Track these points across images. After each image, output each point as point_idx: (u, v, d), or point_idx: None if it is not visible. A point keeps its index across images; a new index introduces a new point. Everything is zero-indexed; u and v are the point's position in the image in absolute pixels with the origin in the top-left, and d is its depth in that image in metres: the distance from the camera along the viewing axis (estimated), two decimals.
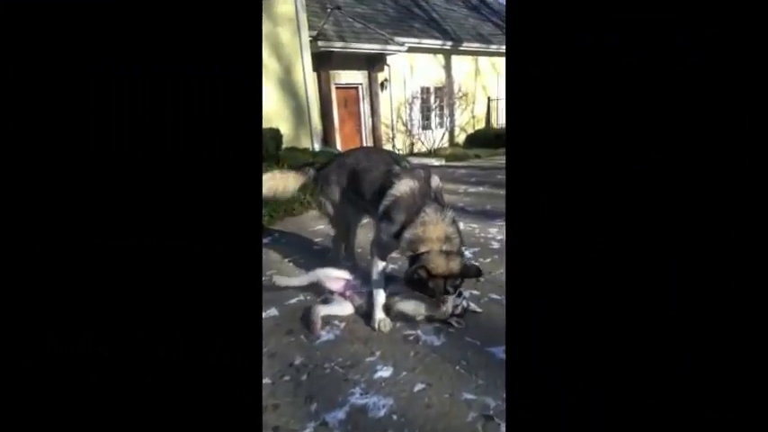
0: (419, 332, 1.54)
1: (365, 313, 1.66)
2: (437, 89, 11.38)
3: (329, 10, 9.03)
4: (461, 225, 2.85)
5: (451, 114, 11.31)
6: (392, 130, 10.74)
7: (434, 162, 8.17)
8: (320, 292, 1.82)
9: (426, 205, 1.53)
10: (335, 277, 1.78)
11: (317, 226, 3.13)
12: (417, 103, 10.90)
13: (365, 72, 9.67)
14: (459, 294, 1.59)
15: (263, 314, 1.74)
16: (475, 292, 1.84)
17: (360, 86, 9.82)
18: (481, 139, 11.15)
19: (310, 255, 2.49)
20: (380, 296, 1.62)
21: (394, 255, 1.73)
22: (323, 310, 1.65)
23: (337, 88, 9.31)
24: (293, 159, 5.46)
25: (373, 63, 9.60)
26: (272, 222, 3.21)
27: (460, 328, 1.54)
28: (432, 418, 1.11)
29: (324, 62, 8.62)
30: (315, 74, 8.32)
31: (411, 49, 10.10)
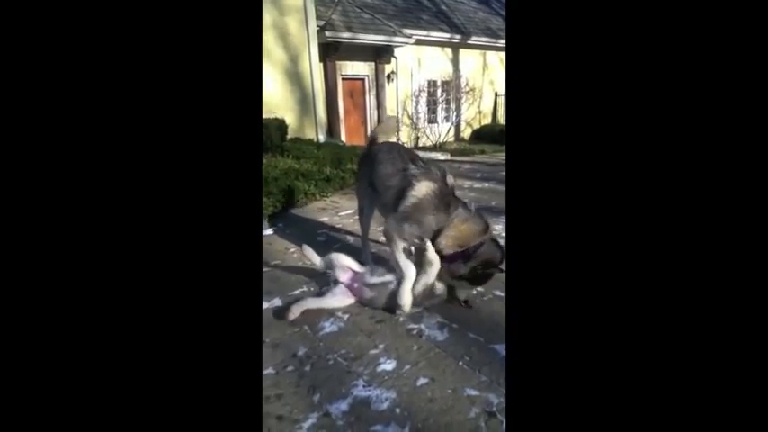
0: (422, 326, 1.54)
1: (385, 306, 1.66)
2: (444, 83, 11.28)
3: (337, 0, 8.94)
4: None
5: (458, 109, 11.22)
6: (398, 122, 10.67)
7: (440, 156, 8.13)
8: (323, 283, 1.82)
9: (454, 207, 1.64)
10: (345, 266, 1.77)
11: (322, 217, 3.13)
12: (424, 96, 10.81)
13: (372, 64, 9.60)
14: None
15: (267, 304, 1.75)
16: (479, 289, 1.84)
17: (366, 78, 9.75)
18: (487, 135, 11.07)
19: (314, 246, 2.49)
20: (408, 288, 1.62)
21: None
22: (312, 303, 1.65)
23: (343, 79, 9.25)
24: (298, 150, 5.45)
25: (380, 55, 9.52)
26: (277, 213, 3.20)
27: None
28: (434, 412, 1.11)
29: (331, 53, 8.55)
30: (321, 64, 8.27)
31: (419, 42, 10.00)
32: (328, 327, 1.56)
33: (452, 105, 11.33)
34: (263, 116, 6.12)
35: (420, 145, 10.83)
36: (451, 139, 11.23)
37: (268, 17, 6.96)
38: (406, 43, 9.52)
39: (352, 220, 3.02)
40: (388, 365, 1.32)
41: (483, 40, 11.68)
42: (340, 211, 3.32)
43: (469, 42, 11.38)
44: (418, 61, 10.61)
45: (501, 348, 1.38)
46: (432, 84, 11.11)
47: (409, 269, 1.62)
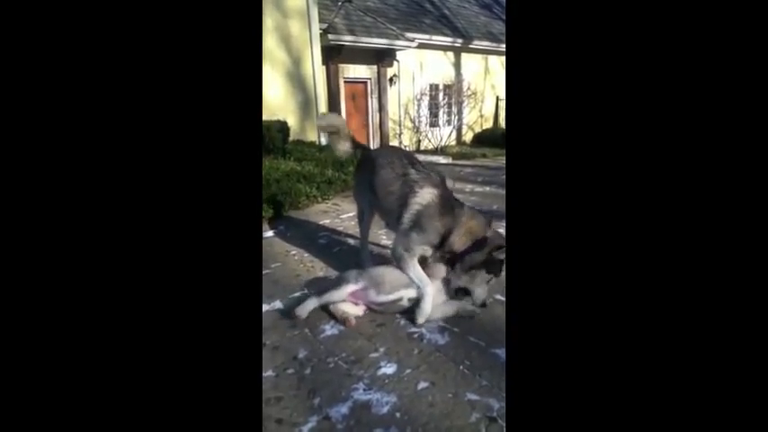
0: (423, 330, 1.54)
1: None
2: (446, 86, 11.31)
3: (340, 3, 8.98)
4: None
5: (459, 112, 11.25)
6: (399, 126, 10.71)
7: (441, 160, 8.14)
8: (325, 287, 1.81)
9: (458, 208, 1.69)
10: (344, 293, 1.68)
11: (323, 220, 3.13)
12: (426, 99, 10.85)
13: (374, 67, 9.63)
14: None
15: (268, 307, 1.75)
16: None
17: (368, 81, 9.79)
18: (489, 139, 11.10)
19: (315, 249, 2.49)
20: (428, 304, 1.60)
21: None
22: (345, 307, 1.63)
23: (346, 82, 9.28)
24: (299, 152, 5.45)
25: (382, 58, 9.56)
26: (278, 215, 3.20)
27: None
28: (435, 417, 1.11)
29: (333, 56, 8.59)
30: (324, 67, 8.30)
31: (421, 46, 10.04)
32: (329, 330, 1.56)
33: (454, 109, 11.35)
34: (265, 118, 6.14)
35: (422, 148, 10.84)
36: (453, 143, 11.24)
37: (271, 20, 7.00)
38: (409, 47, 9.56)
39: (353, 223, 3.01)
40: (388, 369, 1.31)
41: (485, 44, 11.72)
42: (341, 213, 3.32)
43: (471, 46, 11.43)
44: (420, 65, 10.65)
45: (502, 353, 1.38)
46: (434, 87, 11.14)
47: (427, 284, 1.61)
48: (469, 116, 11.54)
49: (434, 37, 10.59)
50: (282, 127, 5.76)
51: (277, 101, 7.20)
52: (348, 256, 2.32)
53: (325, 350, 1.43)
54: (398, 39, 9.23)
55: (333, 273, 2.07)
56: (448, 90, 11.33)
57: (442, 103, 11.39)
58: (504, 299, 1.77)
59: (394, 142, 10.54)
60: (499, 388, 1.20)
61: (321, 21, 7.90)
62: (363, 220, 2.15)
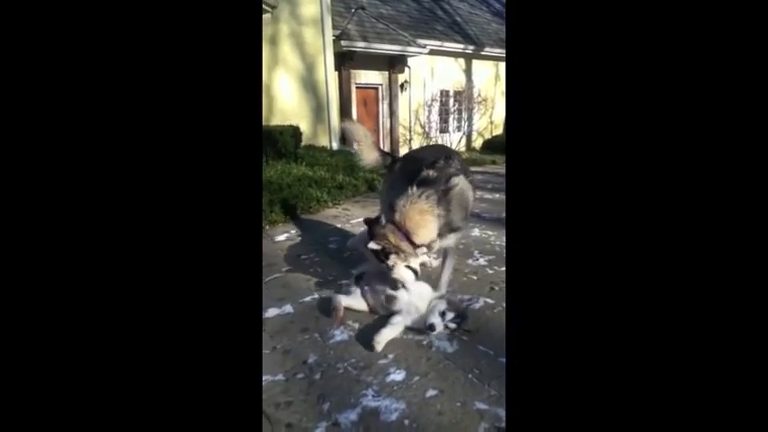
0: (432, 337, 1.54)
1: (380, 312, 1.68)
2: (457, 93, 11.31)
3: (353, 10, 9.07)
4: (477, 232, 2.84)
5: (470, 119, 11.24)
6: (410, 131, 10.73)
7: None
8: (337, 291, 1.84)
9: (426, 189, 1.63)
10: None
11: (333, 225, 3.15)
12: (436, 105, 10.86)
13: (386, 73, 9.69)
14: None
15: (278, 311, 1.77)
16: (489, 301, 1.83)
17: (380, 87, 9.84)
18: (498, 146, 11.04)
19: (325, 253, 2.51)
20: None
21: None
22: (344, 301, 1.68)
23: (357, 88, 9.35)
24: (311, 157, 5.50)
25: (394, 64, 9.61)
26: (290, 220, 3.24)
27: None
28: (443, 425, 1.11)
29: (346, 61, 8.66)
30: (336, 73, 8.37)
31: (432, 52, 10.07)
32: (338, 335, 1.57)
33: (464, 115, 11.34)
34: (278, 123, 6.22)
35: None
36: (463, 149, 11.22)
37: (285, 27, 7.10)
38: (420, 53, 9.60)
39: (363, 229, 3.03)
40: (397, 376, 1.32)
41: (496, 51, 11.71)
42: (352, 218, 3.34)
43: (483, 53, 11.42)
44: (431, 71, 10.67)
45: None
46: (444, 93, 11.15)
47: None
48: (479, 123, 11.52)
49: (446, 43, 10.61)
50: (295, 132, 5.82)
51: (290, 106, 7.28)
52: (358, 261, 2.33)
53: (334, 356, 1.44)
54: (410, 45, 9.28)
55: (343, 277, 2.08)
56: (458, 96, 11.33)
57: (452, 110, 11.40)
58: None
59: (404, 148, 10.55)
60: None
61: (334, 27, 7.99)
62: None
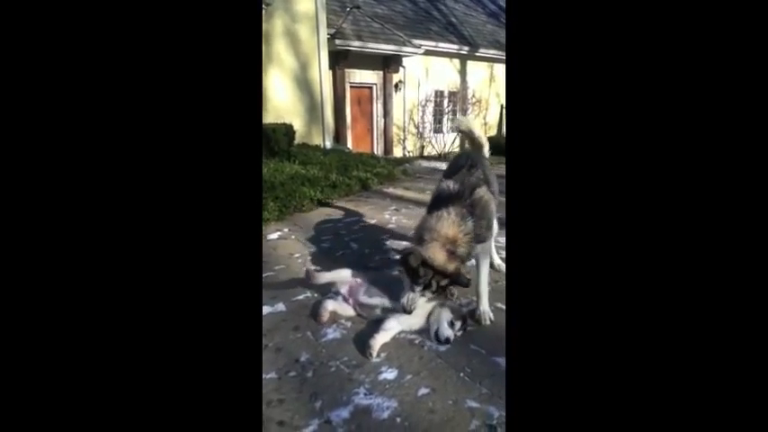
0: (424, 337, 1.55)
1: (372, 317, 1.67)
2: (451, 93, 11.35)
3: (348, 9, 9.05)
4: None
5: None
6: (404, 131, 10.74)
7: (444, 166, 8.15)
8: (326, 290, 1.83)
9: (453, 205, 1.57)
10: (347, 280, 1.78)
11: (327, 224, 3.15)
12: (430, 106, 10.88)
13: (380, 72, 9.68)
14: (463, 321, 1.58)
15: (271, 309, 1.76)
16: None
17: (374, 86, 9.83)
18: (493, 147, 11.04)
19: (318, 252, 2.50)
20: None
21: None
22: (331, 305, 1.68)
23: (352, 87, 9.33)
24: (304, 155, 5.48)
25: (389, 64, 9.61)
26: (282, 218, 3.22)
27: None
28: (435, 423, 1.12)
29: (340, 60, 8.65)
30: (330, 72, 8.35)
31: (427, 52, 10.09)
32: (331, 334, 1.57)
33: (458, 116, 11.38)
34: (271, 121, 6.18)
35: (425, 154, 10.86)
36: (457, 149, 11.25)
37: (280, 24, 7.06)
38: (415, 53, 9.62)
39: (356, 227, 3.03)
40: (389, 374, 1.32)
41: (491, 52, 11.77)
42: (345, 217, 3.33)
43: (477, 54, 11.47)
44: (426, 71, 10.69)
45: (503, 361, 1.38)
46: (439, 94, 11.18)
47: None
48: (465, 119, 11.57)
49: (441, 44, 10.64)
50: (288, 130, 5.79)
51: (283, 104, 7.24)
52: (351, 260, 2.33)
53: (326, 354, 1.44)
54: (405, 45, 9.29)
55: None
56: (453, 97, 11.37)
57: (446, 110, 11.43)
58: (504, 307, 1.77)
59: (398, 148, 10.56)
60: (499, 396, 1.21)
61: (329, 26, 7.97)
62: None
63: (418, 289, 1.51)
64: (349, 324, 1.64)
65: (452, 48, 10.95)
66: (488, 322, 1.63)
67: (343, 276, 1.80)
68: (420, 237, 1.57)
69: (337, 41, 8.20)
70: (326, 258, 2.39)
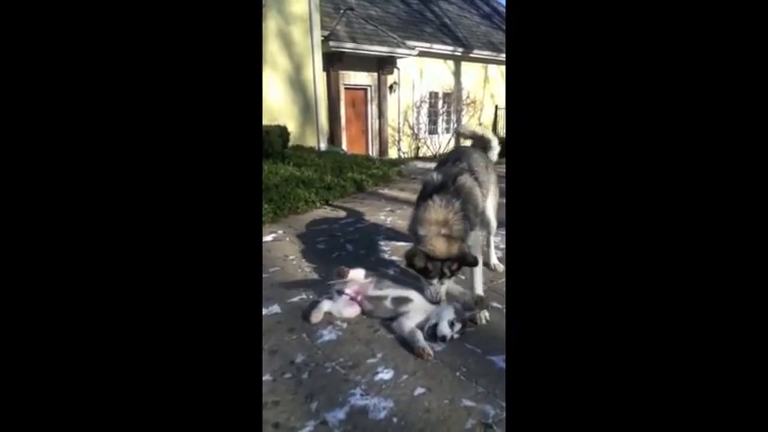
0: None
1: (373, 315, 1.68)
2: (445, 94, 11.39)
3: (342, 11, 9.06)
4: None
5: (458, 120, 11.31)
6: (398, 132, 10.76)
7: None
8: (323, 291, 1.83)
9: (437, 194, 1.66)
10: (358, 279, 1.79)
11: (321, 225, 3.14)
12: (425, 107, 10.92)
13: (374, 74, 9.70)
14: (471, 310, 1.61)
15: (266, 311, 1.75)
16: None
17: (368, 88, 9.85)
18: None
19: (313, 253, 2.50)
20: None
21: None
22: (327, 306, 1.68)
23: (346, 89, 9.34)
24: (298, 157, 5.47)
25: (383, 65, 9.63)
26: (277, 219, 3.21)
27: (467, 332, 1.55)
28: (431, 422, 1.11)
29: (334, 62, 8.65)
30: (324, 73, 8.35)
31: (421, 54, 10.13)
32: (326, 335, 1.57)
33: (453, 117, 11.43)
34: (266, 123, 6.16)
35: (420, 155, 10.89)
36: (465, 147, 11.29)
37: (273, 25, 7.05)
38: (409, 55, 9.64)
39: (351, 229, 3.03)
40: (385, 375, 1.32)
41: (485, 53, 11.83)
42: (340, 219, 3.33)
43: (471, 55, 11.53)
44: (420, 73, 10.73)
45: (498, 360, 1.39)
46: (433, 95, 11.22)
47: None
48: (468, 124, 11.62)
49: (435, 45, 10.68)
50: (282, 132, 5.78)
51: (277, 106, 7.23)
52: (346, 262, 2.32)
53: (322, 355, 1.43)
54: (399, 47, 9.31)
55: (331, 278, 2.06)
56: (447, 98, 11.41)
57: (441, 111, 11.47)
58: (500, 306, 1.78)
59: (393, 149, 10.58)
60: (495, 395, 1.21)
61: (323, 28, 7.97)
62: None
63: (435, 281, 1.60)
64: (344, 325, 1.64)
65: (446, 49, 11.00)
66: (484, 322, 1.63)
67: (358, 276, 1.81)
68: (415, 232, 1.64)
69: (331, 43, 8.21)
70: (321, 260, 2.38)
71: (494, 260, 2.23)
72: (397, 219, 3.27)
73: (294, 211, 3.46)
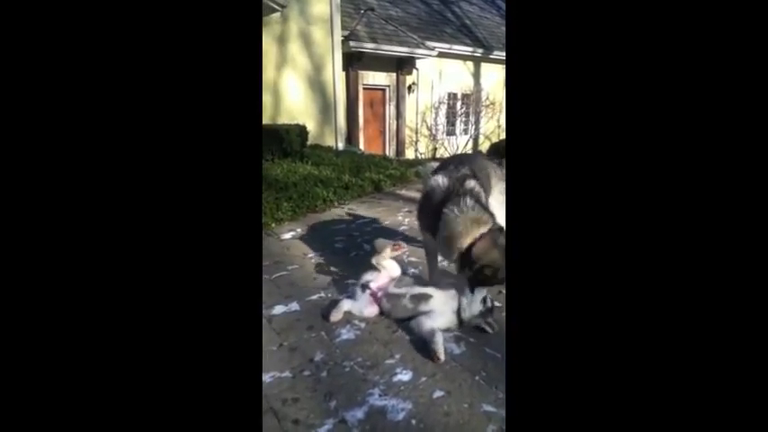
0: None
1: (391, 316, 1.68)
2: (464, 96, 11.31)
3: (362, 11, 9.10)
4: None
5: (477, 122, 11.22)
6: (416, 133, 10.74)
7: None
8: (342, 289, 1.84)
9: (449, 202, 1.64)
10: (390, 274, 1.78)
11: (339, 224, 3.16)
12: (443, 108, 10.86)
13: (393, 74, 9.70)
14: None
15: (285, 308, 1.77)
16: (497, 303, 1.82)
17: (387, 88, 9.85)
18: (505, 149, 11.03)
19: (331, 252, 2.51)
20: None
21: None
22: (347, 305, 1.68)
23: (365, 89, 9.36)
24: (317, 156, 5.52)
25: (402, 66, 9.62)
26: (296, 218, 3.24)
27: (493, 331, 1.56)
28: (450, 426, 1.11)
29: (354, 62, 8.69)
30: (344, 73, 8.40)
31: (441, 54, 10.08)
32: (345, 334, 1.57)
33: (471, 118, 11.33)
34: (285, 122, 6.24)
35: (437, 156, 10.84)
36: (470, 152, 11.20)
37: (294, 26, 7.13)
38: (429, 55, 9.61)
39: (369, 229, 3.04)
40: (404, 376, 1.32)
41: (505, 54, 11.71)
42: (357, 219, 3.34)
43: (491, 57, 11.42)
44: (439, 73, 10.68)
45: None
46: (452, 96, 11.15)
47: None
48: (487, 126, 11.50)
49: (455, 46, 10.62)
50: (301, 131, 5.84)
51: (297, 105, 7.31)
52: (364, 261, 2.33)
53: (341, 354, 1.44)
54: (419, 47, 9.29)
55: (349, 277, 2.08)
56: (466, 99, 11.32)
57: (459, 112, 11.39)
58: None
59: (410, 150, 10.56)
60: None
61: (343, 28, 8.02)
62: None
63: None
64: (363, 325, 1.64)
65: (466, 50, 10.92)
66: (493, 330, 1.61)
67: (393, 269, 1.80)
68: (446, 254, 1.65)
69: (351, 43, 8.24)
70: (340, 259, 2.39)
71: None
72: (415, 219, 3.26)
73: (312, 209, 3.49)
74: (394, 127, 10.14)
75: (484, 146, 11.90)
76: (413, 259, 2.40)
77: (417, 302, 1.62)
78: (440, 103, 10.74)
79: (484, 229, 1.59)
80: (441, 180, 1.78)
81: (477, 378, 1.31)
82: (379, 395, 1.22)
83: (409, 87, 10.11)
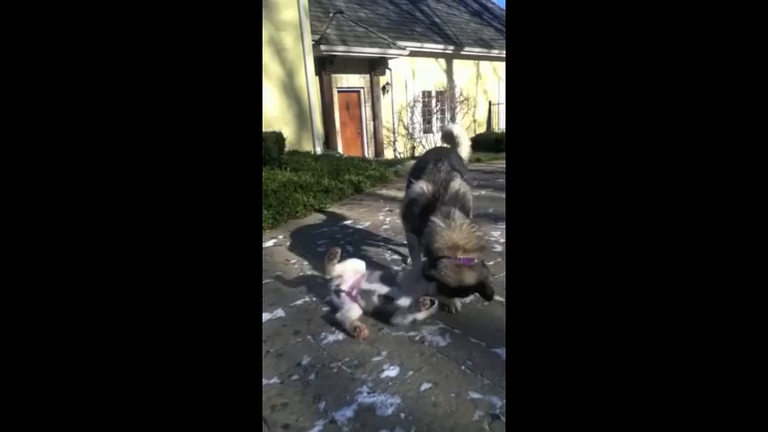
0: (424, 332, 1.56)
1: (373, 313, 1.69)
2: (438, 93, 11.43)
3: (332, 14, 9.10)
4: None
5: (453, 118, 11.35)
6: (394, 133, 10.79)
7: None
8: (325, 294, 1.83)
9: (434, 212, 1.63)
10: (355, 271, 1.77)
11: (321, 228, 3.15)
12: (419, 106, 10.95)
13: (367, 76, 9.73)
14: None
15: (270, 315, 1.76)
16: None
17: (362, 90, 9.88)
18: (483, 143, 11.13)
19: (314, 257, 2.51)
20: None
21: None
22: (354, 314, 1.65)
23: (339, 92, 9.37)
24: (295, 162, 5.49)
25: (375, 67, 9.67)
26: (277, 225, 3.22)
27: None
28: (439, 416, 1.13)
29: (326, 66, 8.68)
30: (317, 78, 8.37)
31: (413, 53, 10.17)
32: (332, 336, 1.58)
33: (447, 115, 11.46)
34: (262, 131, 6.17)
35: (416, 155, 10.91)
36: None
37: (264, 33, 7.07)
38: (401, 55, 9.68)
39: (351, 231, 3.04)
40: (391, 372, 1.33)
41: (476, 50, 11.88)
42: (339, 221, 3.34)
43: (463, 53, 11.57)
44: (413, 72, 10.77)
45: (502, 352, 1.40)
46: (426, 94, 11.25)
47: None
48: (463, 121, 11.64)
49: (426, 44, 10.72)
50: (278, 138, 5.80)
51: (272, 112, 7.25)
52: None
53: (328, 356, 1.44)
54: (390, 47, 9.34)
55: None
56: (440, 96, 11.45)
57: (435, 110, 11.50)
58: (502, 299, 1.79)
59: (389, 150, 10.61)
60: (501, 386, 1.22)
61: (313, 32, 8.00)
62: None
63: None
64: None
65: (437, 47, 11.04)
66: (456, 311, 1.67)
67: (359, 267, 1.79)
68: (431, 264, 1.56)
69: (322, 47, 8.24)
70: (323, 262, 2.39)
71: None
72: (396, 218, 3.28)
73: (293, 215, 3.47)
74: (371, 128, 10.16)
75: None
76: (396, 257, 2.42)
77: (385, 303, 1.65)
78: (415, 101, 10.83)
79: (470, 255, 1.55)
80: (425, 187, 1.76)
81: (462, 367, 1.34)
82: (368, 392, 1.24)
83: (383, 88, 10.16)
